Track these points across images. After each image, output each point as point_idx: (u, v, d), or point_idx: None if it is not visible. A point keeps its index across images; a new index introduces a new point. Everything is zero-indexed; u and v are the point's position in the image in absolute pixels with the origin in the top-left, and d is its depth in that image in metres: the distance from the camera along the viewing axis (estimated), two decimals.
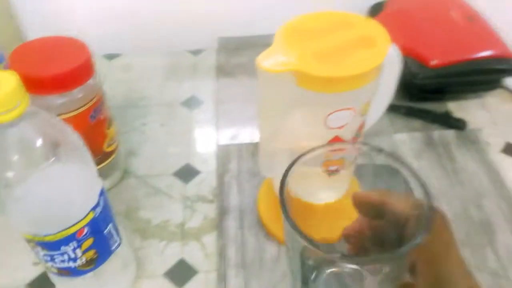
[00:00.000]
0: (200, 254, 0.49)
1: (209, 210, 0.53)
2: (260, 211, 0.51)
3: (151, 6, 0.75)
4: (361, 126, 0.39)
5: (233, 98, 0.68)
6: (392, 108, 0.64)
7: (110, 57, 0.75)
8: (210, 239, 0.50)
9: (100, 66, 0.54)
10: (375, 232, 0.30)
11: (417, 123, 0.64)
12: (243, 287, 0.46)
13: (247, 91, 0.68)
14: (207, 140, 0.61)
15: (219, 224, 0.51)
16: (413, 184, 0.27)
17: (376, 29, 0.36)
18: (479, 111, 0.65)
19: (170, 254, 0.49)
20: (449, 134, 0.62)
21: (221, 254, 0.48)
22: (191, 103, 0.67)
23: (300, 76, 0.34)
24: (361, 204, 0.30)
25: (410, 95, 0.66)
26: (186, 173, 0.57)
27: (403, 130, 0.63)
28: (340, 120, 0.37)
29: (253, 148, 0.60)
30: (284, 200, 0.29)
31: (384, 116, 0.64)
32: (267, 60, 0.34)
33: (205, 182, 0.56)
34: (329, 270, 0.32)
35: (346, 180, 0.47)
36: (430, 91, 0.65)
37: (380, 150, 0.30)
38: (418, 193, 0.27)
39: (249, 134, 0.62)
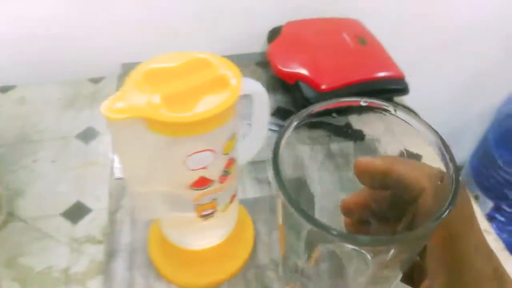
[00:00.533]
0: None
1: (97, 252, 0.51)
2: (150, 250, 0.50)
3: (48, 32, 0.72)
4: (229, 163, 0.39)
5: None
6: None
7: (4, 89, 0.71)
8: (96, 284, 0.48)
9: None
10: (379, 205, 0.25)
11: (319, 134, 0.64)
12: None
13: None
14: (101, 174, 0.59)
15: (106, 267, 0.49)
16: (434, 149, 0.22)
17: (231, 69, 0.36)
18: (377, 123, 0.67)
19: None
20: (349, 145, 0.63)
21: None
22: (87, 135, 0.64)
23: (148, 121, 0.33)
24: (364, 172, 0.25)
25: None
26: (76, 213, 0.54)
27: (305, 141, 0.63)
28: (200, 161, 0.36)
29: None
30: (277, 169, 0.23)
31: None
32: (112, 106, 0.33)
33: (96, 221, 0.54)
34: (321, 248, 0.25)
35: (226, 221, 0.47)
36: (326, 113, 0.66)
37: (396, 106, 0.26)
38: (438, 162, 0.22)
39: None
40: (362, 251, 0.21)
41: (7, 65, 0.73)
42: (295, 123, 0.27)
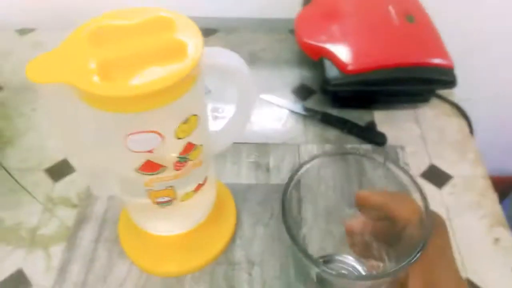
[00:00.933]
0: (42, 266, 0.44)
1: (69, 217, 0.47)
2: (119, 227, 0.46)
3: None
4: (187, 149, 0.33)
5: None
6: (309, 114, 0.57)
7: (23, 32, 0.69)
8: (58, 250, 0.45)
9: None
10: (377, 230, 0.30)
11: (332, 133, 0.56)
12: None
13: None
14: None
15: (73, 234, 0.46)
16: (411, 188, 0.27)
17: (194, 35, 0.29)
18: (408, 125, 0.58)
19: (11, 262, 0.44)
20: (365, 148, 0.55)
21: (63, 269, 0.43)
22: None
23: (78, 91, 0.27)
24: (363, 204, 0.29)
25: (332, 102, 0.59)
26: (59, 171, 0.52)
27: (314, 140, 0.55)
28: (143, 143, 0.30)
29: None
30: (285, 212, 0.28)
31: (298, 122, 0.58)
32: (39, 66, 0.27)
33: (76, 183, 0.50)
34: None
35: (192, 211, 0.41)
36: (351, 99, 0.57)
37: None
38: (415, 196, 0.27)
39: None
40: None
41: (29, 7, 0.70)
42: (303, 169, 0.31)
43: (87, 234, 0.46)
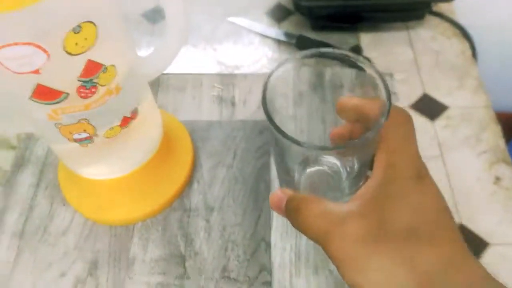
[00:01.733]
0: None
1: (6, 159, 0.42)
2: (59, 170, 0.40)
3: None
4: (92, 70, 0.26)
5: None
6: (284, 38, 0.49)
7: None
8: None
9: None
10: (355, 132, 0.30)
11: (310, 60, 0.49)
12: (11, 261, 0.37)
13: None
14: None
15: (10, 179, 0.41)
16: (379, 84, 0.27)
17: None
18: (400, 48, 0.50)
19: None
20: (347, 74, 0.47)
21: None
22: None
23: None
24: (342, 109, 0.30)
25: (312, 23, 0.50)
26: None
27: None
28: (22, 60, 0.23)
29: None
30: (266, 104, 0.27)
31: (271, 49, 0.50)
32: None
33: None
34: (310, 169, 0.32)
35: (124, 151, 0.35)
36: (332, 19, 0.49)
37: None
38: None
39: None
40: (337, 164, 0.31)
41: None
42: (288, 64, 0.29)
43: (26, 179, 0.41)
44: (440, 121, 0.44)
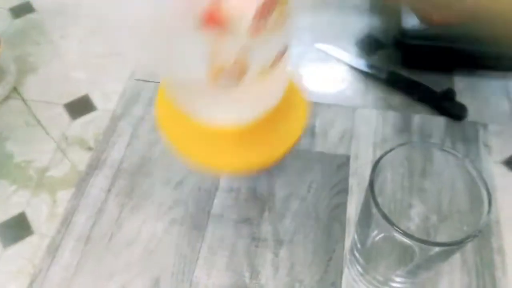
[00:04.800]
0: (46, 211, 0.39)
1: (82, 160, 0.42)
2: (159, 114, 0.37)
3: None
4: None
5: None
6: (373, 72, 0.47)
7: None
8: (65, 196, 0.40)
9: None
10: None
11: (398, 98, 0.46)
12: (74, 266, 0.36)
13: None
14: (123, 70, 0.49)
15: (83, 180, 0.41)
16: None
17: None
18: (498, 98, 0.46)
19: (14, 203, 0.40)
20: (437, 122, 0.44)
21: (67, 218, 0.39)
22: None
23: None
24: None
25: (403, 60, 0.48)
26: (79, 107, 0.46)
27: (374, 104, 0.46)
28: None
29: None
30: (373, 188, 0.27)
31: (358, 81, 0.48)
32: None
33: (96, 122, 0.45)
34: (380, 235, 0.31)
35: (259, 95, 0.33)
36: (429, 58, 0.46)
37: None
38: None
39: None
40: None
41: None
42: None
43: (100, 182, 0.41)
44: None
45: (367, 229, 0.30)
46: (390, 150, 0.29)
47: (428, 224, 0.32)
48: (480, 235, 0.37)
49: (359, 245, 0.33)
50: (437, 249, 0.27)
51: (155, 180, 0.41)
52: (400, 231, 0.25)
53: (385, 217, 0.26)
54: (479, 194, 0.27)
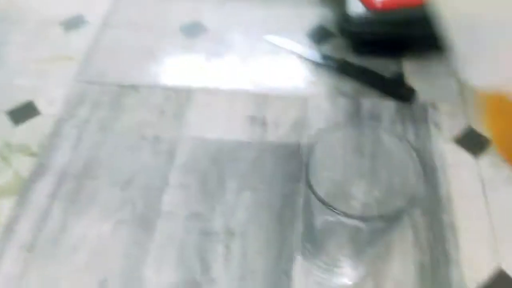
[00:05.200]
0: None
1: (25, 166, 0.41)
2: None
3: None
4: None
5: (129, 22, 0.53)
6: (324, 62, 0.47)
7: None
8: (8, 204, 0.38)
9: None
10: None
11: (350, 85, 0.46)
12: (17, 276, 0.34)
13: (150, 14, 0.53)
14: (67, 74, 0.48)
15: (27, 186, 0.39)
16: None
17: None
18: (447, 79, 0.47)
19: None
20: (387, 105, 0.44)
21: (9, 226, 0.37)
22: (71, 23, 0.53)
23: None
24: None
25: (354, 46, 0.48)
26: (23, 112, 0.44)
27: (326, 94, 0.46)
28: None
29: (120, 92, 0.46)
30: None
31: (310, 71, 0.48)
32: None
33: (40, 127, 0.43)
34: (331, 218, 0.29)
35: None
36: (378, 45, 0.46)
37: None
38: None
39: (122, 73, 0.47)
40: None
41: None
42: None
43: (43, 187, 0.39)
44: (484, 158, 0.41)
45: (311, 214, 0.29)
46: (324, 132, 0.28)
47: (371, 200, 0.31)
48: (423, 211, 0.37)
49: (306, 231, 0.32)
50: (379, 224, 0.26)
51: (101, 182, 0.39)
52: (337, 211, 0.25)
53: (320, 199, 0.25)
54: (414, 168, 0.27)
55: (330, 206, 0.25)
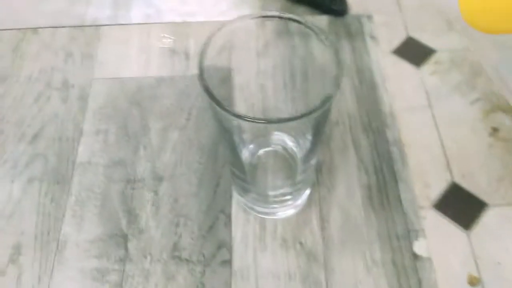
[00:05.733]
0: None
1: None
2: None
3: None
4: None
5: None
6: None
7: None
8: None
9: None
10: None
11: (280, 3, 0.42)
12: None
13: None
14: None
15: None
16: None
17: None
18: None
19: None
20: (319, 20, 0.41)
21: None
22: None
23: None
24: None
25: None
26: None
27: (256, 12, 0.41)
28: None
29: (19, 38, 0.40)
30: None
31: None
32: None
33: None
34: (261, 150, 0.30)
35: None
36: None
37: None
38: None
39: (18, 16, 0.41)
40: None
41: None
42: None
43: None
44: (427, 67, 0.38)
45: (227, 137, 0.26)
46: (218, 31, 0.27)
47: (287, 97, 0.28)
48: (364, 129, 0.34)
49: (232, 160, 0.29)
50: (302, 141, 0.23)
51: (7, 137, 0.34)
52: (234, 114, 0.22)
53: (217, 101, 0.23)
54: (331, 63, 0.24)
55: (227, 109, 0.23)
